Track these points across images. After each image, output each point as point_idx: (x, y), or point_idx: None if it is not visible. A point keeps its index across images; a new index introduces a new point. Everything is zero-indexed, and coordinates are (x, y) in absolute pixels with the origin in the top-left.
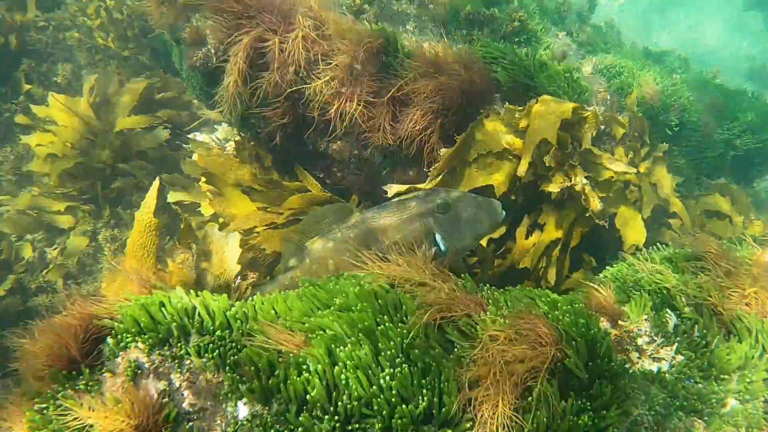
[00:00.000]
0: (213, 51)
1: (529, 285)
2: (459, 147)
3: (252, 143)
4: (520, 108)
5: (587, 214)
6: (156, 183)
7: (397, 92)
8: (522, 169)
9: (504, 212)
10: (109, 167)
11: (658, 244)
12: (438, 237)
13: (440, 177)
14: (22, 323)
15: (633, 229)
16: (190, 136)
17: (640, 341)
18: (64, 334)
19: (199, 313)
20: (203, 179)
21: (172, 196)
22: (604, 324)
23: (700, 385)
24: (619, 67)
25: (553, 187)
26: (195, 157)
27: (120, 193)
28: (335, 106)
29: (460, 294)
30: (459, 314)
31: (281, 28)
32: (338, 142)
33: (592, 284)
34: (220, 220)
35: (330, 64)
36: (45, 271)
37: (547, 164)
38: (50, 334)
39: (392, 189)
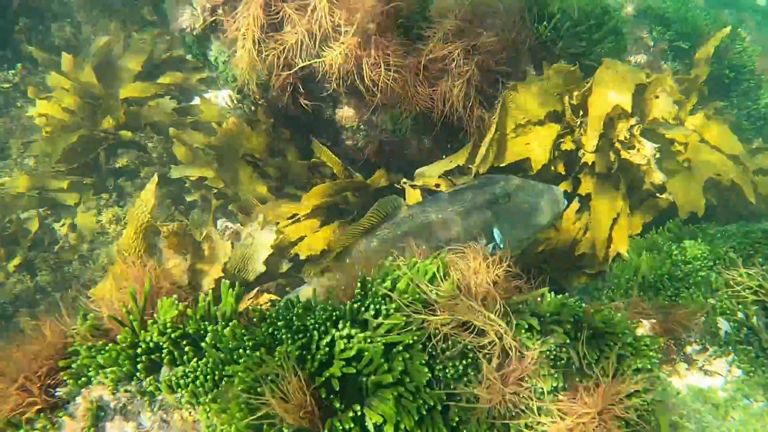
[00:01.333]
0: (200, 11)
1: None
2: (497, 126)
3: (265, 114)
4: (571, 68)
5: (644, 187)
6: (154, 179)
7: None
8: (590, 146)
9: (566, 201)
10: (112, 137)
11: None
12: (496, 231)
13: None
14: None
15: (689, 194)
16: (196, 100)
17: (689, 349)
18: (27, 365)
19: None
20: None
21: (175, 171)
22: (643, 329)
23: (761, 406)
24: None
25: (635, 157)
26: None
27: (124, 167)
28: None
29: None
30: None
31: None
32: (345, 108)
33: None
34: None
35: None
36: (56, 247)
37: (618, 137)
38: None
39: (424, 177)
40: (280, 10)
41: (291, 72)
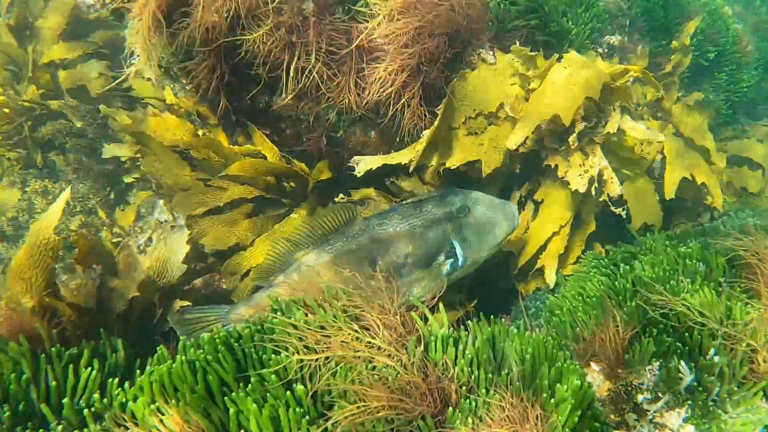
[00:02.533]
0: None
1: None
2: (441, 119)
3: (191, 99)
4: (530, 53)
5: (601, 199)
6: (66, 193)
7: (365, 40)
8: (514, 141)
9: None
10: (38, 106)
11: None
12: (456, 246)
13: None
14: None
15: (643, 203)
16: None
17: (640, 398)
18: None
19: None
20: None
21: (107, 150)
22: (593, 374)
23: None
24: None
25: (567, 171)
26: (119, 118)
27: (51, 138)
28: (286, 62)
29: None
30: None
31: None
32: (284, 96)
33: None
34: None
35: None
36: None
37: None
38: None
39: (360, 165)
40: None
41: (211, 48)
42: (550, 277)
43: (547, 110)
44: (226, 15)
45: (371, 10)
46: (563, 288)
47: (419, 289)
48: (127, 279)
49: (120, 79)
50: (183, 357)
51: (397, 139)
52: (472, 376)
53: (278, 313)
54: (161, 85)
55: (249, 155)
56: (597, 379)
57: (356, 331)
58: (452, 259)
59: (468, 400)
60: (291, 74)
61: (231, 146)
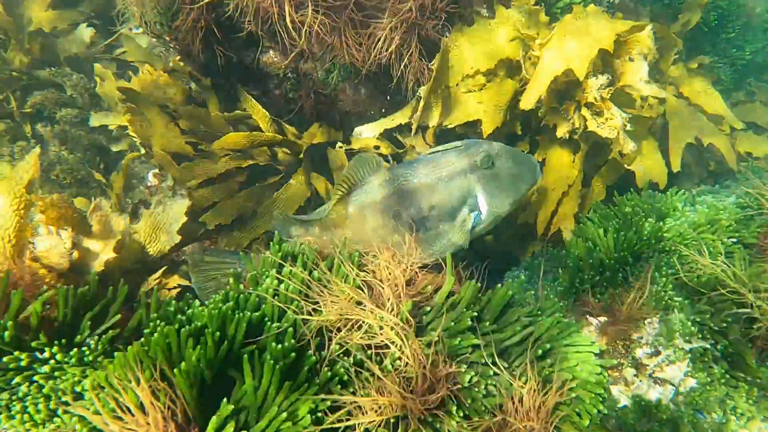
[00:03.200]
0: None
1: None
2: (435, 77)
3: (181, 59)
4: (533, 7)
5: (610, 156)
6: (36, 151)
7: None
8: (529, 100)
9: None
10: (25, 75)
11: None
12: (480, 198)
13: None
14: None
15: (648, 161)
16: (124, 31)
17: (639, 352)
18: None
19: None
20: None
21: (95, 119)
22: (590, 324)
23: (715, 418)
24: None
25: (603, 130)
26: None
27: (40, 108)
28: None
29: None
30: None
31: None
32: (270, 52)
33: None
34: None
35: None
36: None
37: (585, 99)
38: None
39: (363, 135)
40: None
41: (198, 5)
42: (569, 237)
43: (560, 64)
44: None
45: None
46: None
47: (442, 243)
48: (101, 240)
49: (111, 39)
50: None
51: (388, 97)
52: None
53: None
54: (154, 52)
55: (238, 120)
56: (592, 333)
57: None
58: (476, 212)
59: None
60: (282, 30)
61: (218, 114)
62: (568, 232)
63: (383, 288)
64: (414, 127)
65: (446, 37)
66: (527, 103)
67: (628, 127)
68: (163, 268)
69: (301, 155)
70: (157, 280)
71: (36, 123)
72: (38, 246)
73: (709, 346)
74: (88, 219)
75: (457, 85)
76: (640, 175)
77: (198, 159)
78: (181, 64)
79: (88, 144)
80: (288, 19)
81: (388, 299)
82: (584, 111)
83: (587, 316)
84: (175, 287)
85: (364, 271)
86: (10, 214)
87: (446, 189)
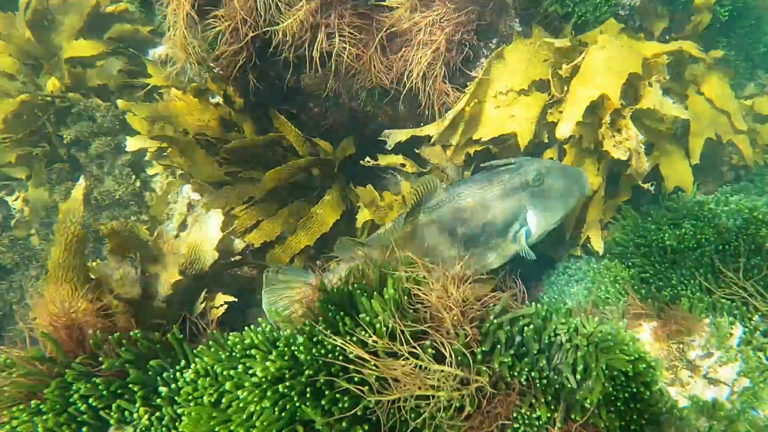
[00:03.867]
0: None
1: None
2: (472, 94)
3: (217, 83)
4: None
5: (628, 172)
6: (82, 183)
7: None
8: (566, 129)
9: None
10: (59, 100)
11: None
12: (530, 215)
13: (447, 126)
14: None
15: (675, 167)
16: (151, 53)
17: (692, 354)
18: None
19: None
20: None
21: (131, 143)
22: (644, 330)
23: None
24: None
25: (617, 152)
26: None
27: (74, 139)
28: (314, 43)
29: None
30: None
31: None
32: (311, 74)
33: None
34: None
35: None
36: (12, 221)
37: (605, 119)
38: None
39: (391, 137)
40: None
41: (242, 44)
42: (598, 244)
43: (594, 91)
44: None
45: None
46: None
47: (494, 257)
48: (167, 264)
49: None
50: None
51: (426, 113)
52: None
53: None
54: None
55: (273, 143)
56: (648, 338)
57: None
58: (526, 227)
59: None
60: (315, 55)
61: (253, 139)
62: (597, 238)
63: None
64: (435, 138)
65: (489, 57)
66: (562, 132)
67: (642, 149)
68: (203, 292)
69: (335, 169)
70: (203, 303)
71: (71, 147)
72: (113, 276)
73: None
74: (150, 245)
75: (486, 101)
76: (667, 180)
77: (238, 184)
78: (218, 88)
79: (122, 165)
80: (317, 47)
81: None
82: (604, 128)
83: (641, 322)
84: (222, 305)
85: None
86: (73, 253)
87: (499, 207)
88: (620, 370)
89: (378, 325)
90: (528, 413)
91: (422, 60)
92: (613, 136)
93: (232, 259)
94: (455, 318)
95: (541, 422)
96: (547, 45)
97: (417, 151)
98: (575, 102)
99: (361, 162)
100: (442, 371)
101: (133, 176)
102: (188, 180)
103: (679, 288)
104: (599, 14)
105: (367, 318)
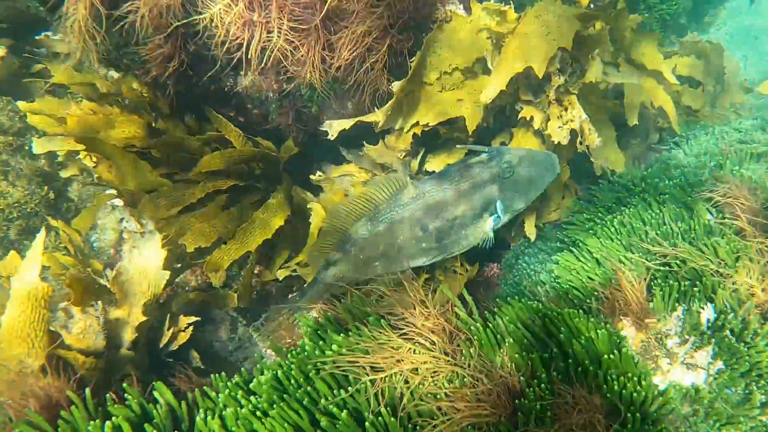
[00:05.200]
0: None
1: None
2: (414, 72)
3: (137, 86)
4: (502, 8)
5: (580, 150)
6: (41, 235)
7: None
8: (487, 95)
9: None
10: None
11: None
12: (499, 205)
13: (391, 111)
14: None
15: (608, 150)
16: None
17: (669, 343)
18: None
19: None
20: (79, 146)
21: (38, 145)
22: (626, 328)
23: (741, 392)
24: None
25: (545, 123)
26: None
27: None
28: (247, 40)
29: None
30: None
31: None
32: (249, 76)
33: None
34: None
35: None
36: None
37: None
38: None
39: (333, 127)
40: None
41: (167, 33)
42: (530, 230)
43: (520, 63)
44: None
45: None
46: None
47: (463, 245)
48: (128, 306)
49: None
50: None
51: (376, 108)
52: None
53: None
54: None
55: (213, 142)
56: (630, 332)
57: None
58: (495, 215)
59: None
60: (252, 53)
61: (191, 137)
62: (530, 224)
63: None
64: (381, 123)
65: (428, 33)
66: (486, 97)
67: (585, 128)
68: (167, 317)
69: (281, 167)
70: (169, 330)
71: None
72: (72, 330)
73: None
74: (108, 286)
75: (432, 83)
76: (598, 164)
77: (172, 188)
78: (135, 93)
79: (30, 173)
80: (255, 45)
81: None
82: (552, 108)
83: (621, 317)
84: (187, 327)
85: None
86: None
87: (470, 200)
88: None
89: None
90: None
91: (366, 40)
92: (560, 117)
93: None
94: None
95: None
96: (492, 12)
97: (361, 152)
98: (501, 69)
99: (311, 177)
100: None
101: (45, 186)
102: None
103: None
104: None
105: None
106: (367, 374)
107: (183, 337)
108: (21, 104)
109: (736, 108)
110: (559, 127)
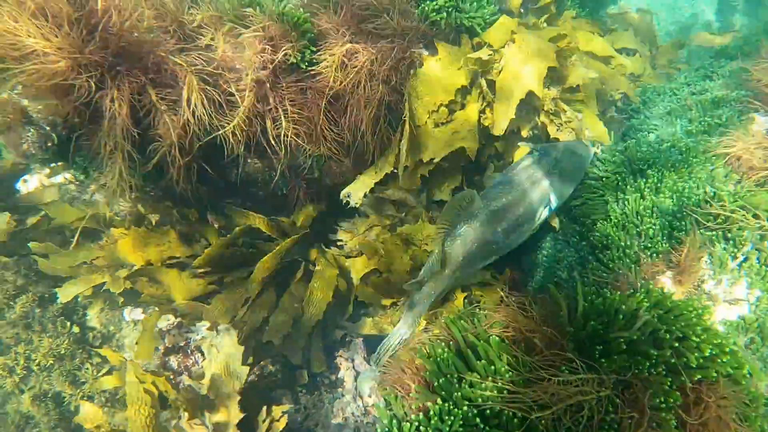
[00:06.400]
0: (48, 128)
1: None
2: (407, 119)
3: (162, 202)
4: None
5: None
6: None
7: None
8: (501, 126)
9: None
10: None
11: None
12: (552, 195)
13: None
14: None
15: (594, 126)
16: (21, 181)
17: (707, 287)
18: None
19: None
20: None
21: (64, 293)
22: (664, 284)
23: None
24: None
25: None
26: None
27: None
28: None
29: None
30: None
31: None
32: (256, 162)
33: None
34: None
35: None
36: None
37: (543, 107)
38: None
39: (355, 194)
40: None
41: (192, 155)
42: (554, 220)
43: (521, 89)
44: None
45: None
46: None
47: (524, 237)
48: (224, 407)
49: None
50: None
51: (366, 157)
52: None
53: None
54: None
55: (241, 235)
56: (672, 288)
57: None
58: (549, 207)
59: None
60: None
61: (222, 240)
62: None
63: None
64: (401, 170)
65: (408, 82)
66: (500, 129)
67: (584, 123)
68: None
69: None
70: (265, 422)
71: None
72: None
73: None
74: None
75: (425, 123)
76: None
77: (232, 291)
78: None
79: (53, 317)
80: (270, 134)
81: None
82: (543, 117)
83: (657, 278)
84: (281, 416)
85: None
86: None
87: (528, 200)
88: None
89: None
90: None
91: (370, 111)
92: (552, 121)
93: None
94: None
95: None
96: (466, 58)
97: (378, 194)
98: (505, 101)
99: (340, 236)
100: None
101: (68, 323)
102: (165, 310)
103: None
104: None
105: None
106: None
107: (279, 426)
108: (42, 263)
109: (674, 64)
110: (558, 129)
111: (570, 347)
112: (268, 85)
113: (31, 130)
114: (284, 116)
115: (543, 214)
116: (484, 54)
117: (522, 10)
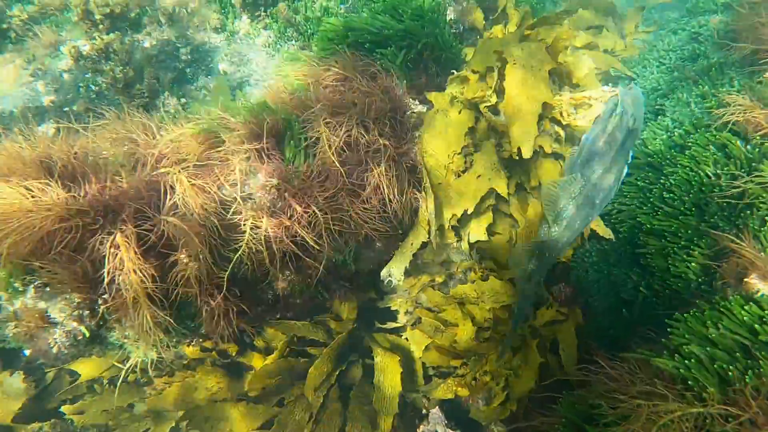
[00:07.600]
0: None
1: None
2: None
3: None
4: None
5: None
6: None
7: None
8: (528, 150)
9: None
10: None
11: None
12: (631, 154)
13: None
14: None
15: None
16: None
17: None
18: None
19: None
20: None
21: None
22: (757, 285)
23: None
24: None
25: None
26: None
27: None
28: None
29: None
30: None
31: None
32: (288, 276)
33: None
34: None
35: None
36: None
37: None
38: None
39: (395, 272)
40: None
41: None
42: (604, 231)
43: (535, 105)
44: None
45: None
46: None
47: (609, 200)
48: None
49: None
50: None
51: (399, 232)
52: None
53: None
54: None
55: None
56: (761, 287)
57: None
58: (627, 164)
59: None
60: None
61: (271, 360)
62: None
63: None
64: (433, 233)
65: (417, 139)
66: (527, 152)
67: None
68: None
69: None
70: None
71: None
72: None
73: None
74: None
75: (445, 175)
76: None
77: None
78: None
79: None
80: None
81: None
82: (559, 117)
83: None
84: None
85: None
86: None
87: (617, 167)
88: None
89: None
90: None
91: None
92: (569, 114)
93: None
94: None
95: None
96: (463, 101)
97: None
98: (522, 125)
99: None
100: None
101: None
102: None
103: None
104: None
105: None
106: None
107: None
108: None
109: (642, 28)
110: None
111: None
112: (283, 194)
113: (57, 331)
114: (317, 208)
115: (624, 174)
116: (476, 91)
117: (485, 23)
